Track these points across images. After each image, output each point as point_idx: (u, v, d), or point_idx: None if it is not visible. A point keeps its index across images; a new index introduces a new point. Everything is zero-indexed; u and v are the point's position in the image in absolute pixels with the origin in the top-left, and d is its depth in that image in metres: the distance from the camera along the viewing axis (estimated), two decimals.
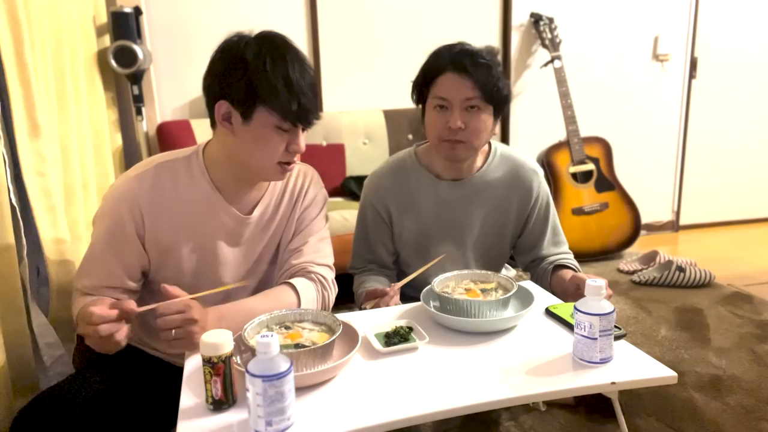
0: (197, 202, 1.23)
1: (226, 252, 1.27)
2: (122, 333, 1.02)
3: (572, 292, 1.36)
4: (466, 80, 1.36)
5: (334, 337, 1.01)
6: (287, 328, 1.07)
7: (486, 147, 1.55)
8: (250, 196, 1.28)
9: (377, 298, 1.34)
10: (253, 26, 1.20)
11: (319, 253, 1.33)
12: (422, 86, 1.45)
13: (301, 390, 0.93)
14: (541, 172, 1.57)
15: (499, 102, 1.41)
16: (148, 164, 1.23)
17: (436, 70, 1.41)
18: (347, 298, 1.56)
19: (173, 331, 1.03)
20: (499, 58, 1.47)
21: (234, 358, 0.94)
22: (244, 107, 1.13)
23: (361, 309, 1.40)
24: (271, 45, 1.13)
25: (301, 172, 1.37)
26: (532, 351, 1.07)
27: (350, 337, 1.07)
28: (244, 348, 1.03)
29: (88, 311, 1.00)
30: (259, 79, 1.10)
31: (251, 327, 1.04)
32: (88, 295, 1.19)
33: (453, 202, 1.52)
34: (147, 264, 1.23)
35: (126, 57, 2.53)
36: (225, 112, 1.15)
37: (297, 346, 1.00)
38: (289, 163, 1.20)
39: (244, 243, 1.29)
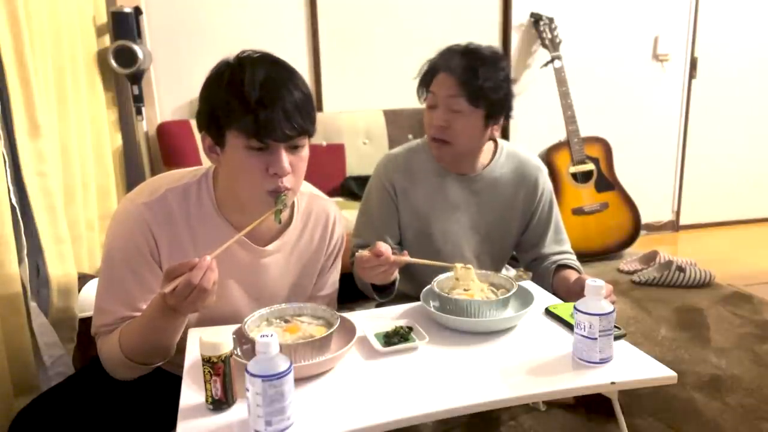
0: (207, 233, 1.15)
1: (238, 286, 1.21)
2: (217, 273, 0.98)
3: (578, 292, 1.34)
4: (451, 79, 1.38)
5: (332, 329, 1.02)
6: (286, 321, 1.09)
7: (492, 145, 1.56)
8: (265, 227, 1.18)
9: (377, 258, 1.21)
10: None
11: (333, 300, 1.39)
12: (422, 84, 1.47)
13: (300, 390, 0.93)
14: (545, 169, 1.58)
15: (487, 105, 1.39)
16: (156, 190, 1.14)
17: (433, 69, 1.43)
18: (347, 298, 1.56)
19: None
20: (504, 63, 1.44)
21: (234, 350, 0.94)
22: (215, 135, 1.07)
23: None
24: (237, 63, 1.05)
25: (324, 206, 1.30)
26: (532, 351, 1.07)
27: (348, 332, 1.08)
28: (244, 340, 1.04)
29: (182, 283, 0.94)
30: (215, 99, 1.05)
31: (251, 320, 1.05)
32: (111, 331, 1.13)
33: (459, 196, 1.51)
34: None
35: (126, 57, 2.53)
36: (208, 144, 1.10)
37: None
38: (278, 191, 1.07)
39: (260, 277, 1.23)
